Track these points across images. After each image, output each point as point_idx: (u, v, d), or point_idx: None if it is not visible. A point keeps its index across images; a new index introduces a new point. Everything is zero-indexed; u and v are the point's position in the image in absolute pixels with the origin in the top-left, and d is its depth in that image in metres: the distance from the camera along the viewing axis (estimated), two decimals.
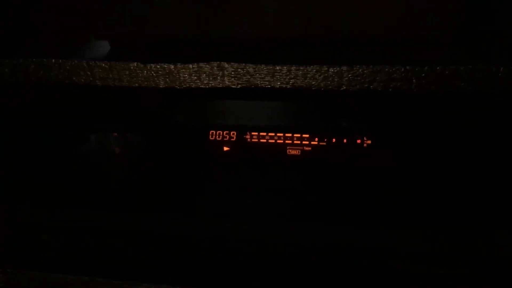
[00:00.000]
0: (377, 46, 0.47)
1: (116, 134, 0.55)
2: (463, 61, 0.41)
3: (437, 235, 0.48)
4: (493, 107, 0.48)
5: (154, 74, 0.46)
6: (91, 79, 0.48)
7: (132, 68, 0.46)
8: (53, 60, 0.48)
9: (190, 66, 0.45)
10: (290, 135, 0.50)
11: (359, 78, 0.42)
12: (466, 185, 0.50)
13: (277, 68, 0.44)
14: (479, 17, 0.51)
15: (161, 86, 0.46)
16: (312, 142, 0.50)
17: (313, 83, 0.43)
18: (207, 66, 0.45)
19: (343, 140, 0.50)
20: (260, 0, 0.48)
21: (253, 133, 0.51)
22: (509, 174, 0.50)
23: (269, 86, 0.44)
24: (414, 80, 0.41)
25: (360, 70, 0.42)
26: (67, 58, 0.48)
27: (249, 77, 0.44)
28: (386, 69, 0.42)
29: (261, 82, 0.44)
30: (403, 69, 0.41)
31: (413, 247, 0.48)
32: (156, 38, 0.50)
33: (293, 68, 0.43)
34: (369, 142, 0.49)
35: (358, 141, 0.49)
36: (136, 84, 0.47)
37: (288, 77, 0.44)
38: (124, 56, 0.48)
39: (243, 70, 0.44)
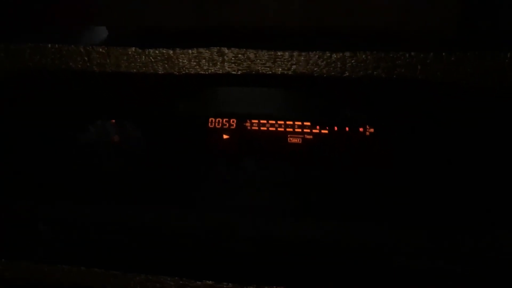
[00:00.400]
0: (379, 38, 0.46)
1: (113, 121, 0.54)
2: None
3: (439, 230, 0.47)
4: (500, 96, 0.47)
5: (152, 60, 0.45)
6: (88, 64, 0.47)
7: (130, 53, 0.45)
8: (49, 45, 0.47)
9: (190, 51, 0.44)
10: (291, 123, 0.50)
11: (362, 65, 0.41)
12: (469, 177, 0.50)
13: (279, 53, 0.43)
14: (482, 10, 0.50)
15: (160, 72, 0.45)
16: (314, 130, 0.49)
17: (315, 69, 0.42)
18: (207, 51, 0.44)
19: (345, 128, 0.49)
20: None
21: (253, 121, 0.50)
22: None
23: (270, 72, 0.43)
24: (419, 67, 0.41)
25: (364, 56, 0.41)
26: (64, 43, 0.47)
27: (249, 63, 0.43)
28: (391, 55, 0.41)
29: (262, 68, 0.43)
30: (407, 55, 0.40)
31: (415, 242, 0.48)
32: (156, 25, 0.50)
33: (295, 53, 0.42)
34: (371, 130, 0.48)
35: (361, 129, 0.48)
36: (134, 70, 0.46)
37: (289, 63, 0.43)
38: (122, 42, 0.48)
39: (244, 56, 0.43)
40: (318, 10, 0.46)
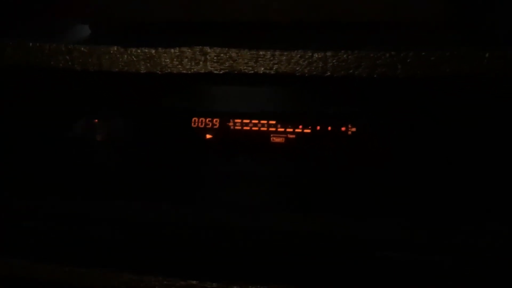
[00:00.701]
0: (367, 30, 0.46)
1: (96, 120, 0.54)
2: (455, 45, 0.41)
3: (424, 223, 0.48)
4: (480, 93, 0.48)
5: (134, 59, 0.45)
6: (70, 63, 0.46)
7: (112, 52, 0.45)
8: (31, 44, 0.46)
9: (172, 50, 0.44)
10: (274, 122, 0.50)
11: (344, 64, 0.42)
12: (452, 173, 0.50)
13: (261, 53, 0.43)
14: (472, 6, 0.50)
15: (142, 71, 0.45)
16: (296, 130, 0.49)
17: (297, 68, 0.43)
18: (189, 50, 0.44)
19: (327, 128, 0.49)
20: None
21: (236, 120, 0.50)
22: (496, 163, 0.49)
23: (252, 72, 0.43)
24: (399, 66, 0.41)
25: (345, 55, 0.41)
26: (46, 41, 0.46)
27: (232, 62, 0.43)
28: (371, 55, 0.41)
29: (244, 67, 0.43)
30: (388, 55, 0.41)
31: (401, 236, 0.48)
32: (138, 21, 0.50)
33: (277, 53, 0.42)
34: (354, 129, 0.48)
35: (343, 128, 0.49)
36: (117, 69, 0.46)
37: (271, 62, 0.43)
38: (104, 39, 0.47)
39: (226, 55, 0.43)
40: (302, 5, 0.47)
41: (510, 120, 0.48)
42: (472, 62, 0.40)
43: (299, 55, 0.42)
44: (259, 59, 0.43)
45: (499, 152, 0.49)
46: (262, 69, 0.43)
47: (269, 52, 0.42)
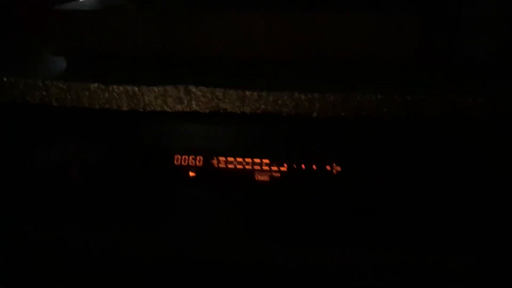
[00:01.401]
0: (344, 68, 0.47)
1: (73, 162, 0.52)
2: (426, 83, 0.43)
3: (402, 255, 0.48)
4: (463, 133, 0.49)
5: (116, 96, 0.44)
6: (47, 99, 0.44)
7: (92, 89, 0.44)
8: (5, 79, 0.44)
9: (155, 89, 0.43)
10: (258, 160, 0.49)
11: (330, 106, 0.42)
12: (435, 210, 0.51)
13: (247, 93, 0.42)
14: (441, 40, 0.52)
15: (124, 109, 0.44)
16: (281, 168, 0.49)
17: (284, 109, 0.42)
18: (174, 89, 0.43)
19: (312, 167, 0.49)
20: (229, 20, 0.47)
21: (220, 158, 0.49)
22: (471, 192, 0.51)
23: (238, 112, 0.43)
24: (384, 109, 0.41)
25: (332, 97, 0.42)
26: (21, 76, 0.44)
27: (218, 101, 0.43)
28: (358, 98, 0.41)
29: (231, 107, 0.43)
30: (373, 98, 0.41)
31: (381, 267, 0.48)
32: (118, 55, 0.49)
33: (263, 93, 0.42)
34: (338, 168, 0.48)
35: (328, 167, 0.49)
36: (97, 106, 0.44)
37: (258, 103, 0.42)
38: (80, 72, 0.46)
39: (212, 95, 0.43)
40: (286, 43, 0.47)
41: (491, 160, 0.50)
42: (455, 105, 0.41)
43: (286, 96, 0.42)
44: (246, 99, 0.42)
45: (482, 189, 0.50)
46: (249, 109, 0.43)
47: (255, 93, 0.42)
